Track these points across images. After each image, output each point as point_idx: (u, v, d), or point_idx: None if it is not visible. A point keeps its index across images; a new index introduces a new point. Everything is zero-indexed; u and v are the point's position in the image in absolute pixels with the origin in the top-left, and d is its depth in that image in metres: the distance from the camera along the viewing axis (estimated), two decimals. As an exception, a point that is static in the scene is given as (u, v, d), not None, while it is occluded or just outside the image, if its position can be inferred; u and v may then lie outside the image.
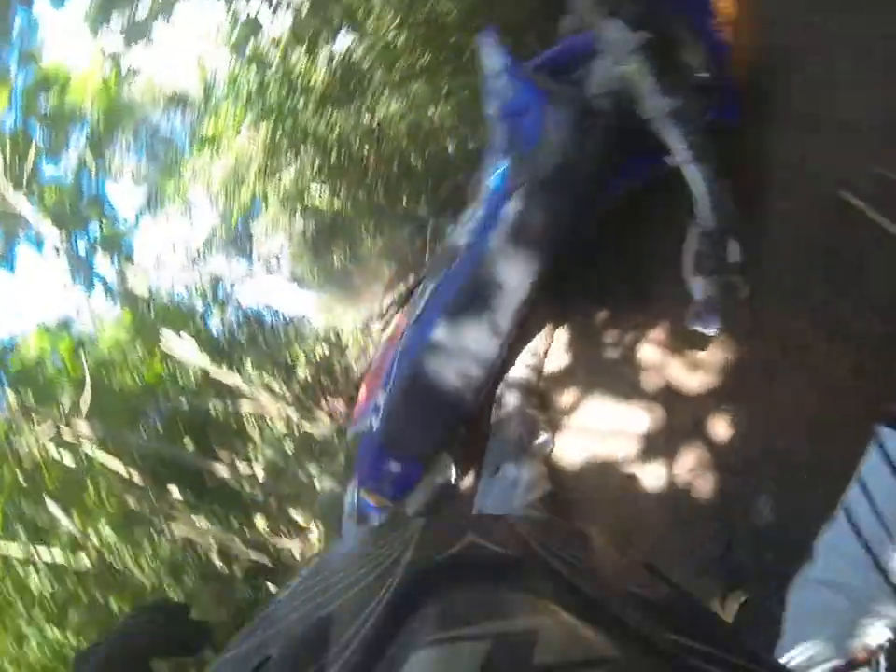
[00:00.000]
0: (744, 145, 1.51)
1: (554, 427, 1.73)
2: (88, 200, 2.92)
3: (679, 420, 1.43)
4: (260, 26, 3.29)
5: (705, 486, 1.32)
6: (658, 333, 1.60)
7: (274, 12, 3.26)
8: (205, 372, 3.56)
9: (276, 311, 5.78)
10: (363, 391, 2.12)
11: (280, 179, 4.98)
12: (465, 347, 1.71)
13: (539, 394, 1.83)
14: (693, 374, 1.47)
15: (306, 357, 4.73)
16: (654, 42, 1.35)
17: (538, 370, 1.86)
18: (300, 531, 2.90)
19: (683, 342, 1.53)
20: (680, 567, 1.24)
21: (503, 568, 0.44)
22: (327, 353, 4.81)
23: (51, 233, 3.04)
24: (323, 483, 2.98)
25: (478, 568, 0.43)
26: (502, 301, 1.68)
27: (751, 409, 1.34)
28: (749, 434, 1.32)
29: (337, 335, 5.04)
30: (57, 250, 3.12)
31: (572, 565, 0.44)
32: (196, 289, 4.78)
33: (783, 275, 1.38)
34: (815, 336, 1.28)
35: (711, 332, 1.37)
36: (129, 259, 3.10)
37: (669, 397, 1.48)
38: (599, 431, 1.59)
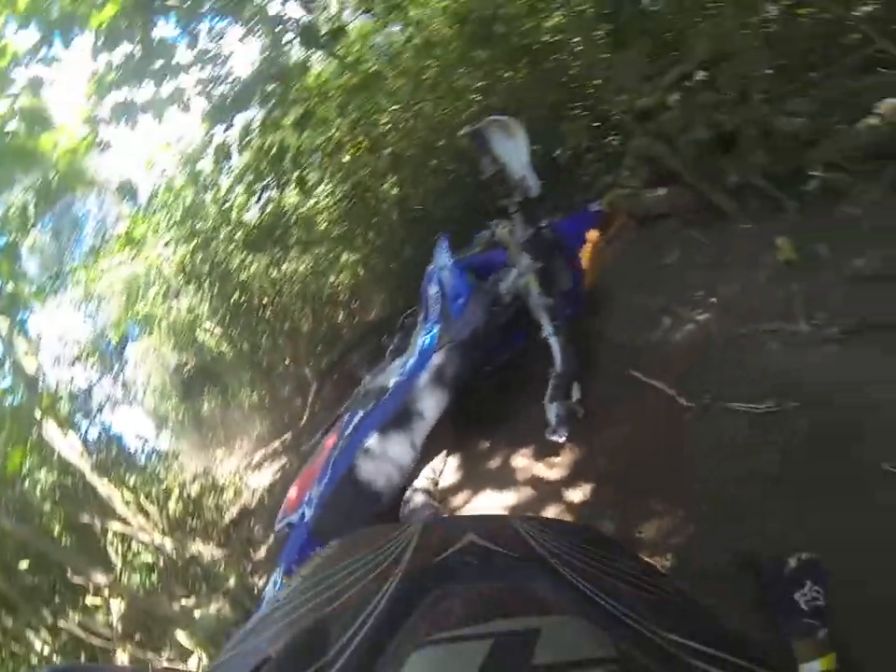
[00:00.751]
0: (584, 327, 2.46)
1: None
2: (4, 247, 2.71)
3: (544, 496, 2.02)
4: (229, 156, 3.55)
5: None
6: (526, 446, 2.30)
7: (241, 150, 3.60)
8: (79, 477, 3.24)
9: (141, 439, 5.27)
10: (295, 490, 2.47)
11: (176, 305, 5.04)
12: (390, 456, 2.19)
13: (437, 498, 2.33)
14: (552, 469, 2.13)
15: (179, 492, 4.39)
16: (542, 269, 2.27)
17: (435, 482, 2.40)
18: (184, 655, 2.61)
19: (544, 450, 2.23)
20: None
21: (503, 568, 0.44)
22: (198, 492, 4.51)
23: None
24: (201, 609, 2.92)
25: (478, 568, 0.44)
26: (420, 424, 2.23)
27: (588, 479, 1.98)
28: (593, 491, 1.92)
29: (211, 477, 4.82)
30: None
31: (573, 564, 0.44)
32: (71, 392, 4.38)
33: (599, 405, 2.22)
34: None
35: (561, 440, 2.07)
36: (22, 329, 2.82)
37: (537, 484, 2.09)
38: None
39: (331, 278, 4.95)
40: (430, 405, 2.26)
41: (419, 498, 2.26)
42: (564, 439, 2.09)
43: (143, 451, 5.15)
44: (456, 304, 2.44)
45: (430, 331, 2.48)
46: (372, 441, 2.20)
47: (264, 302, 4.91)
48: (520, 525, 0.54)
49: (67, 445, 3.00)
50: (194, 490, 4.40)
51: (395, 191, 4.24)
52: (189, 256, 4.40)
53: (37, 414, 2.90)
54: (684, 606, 0.44)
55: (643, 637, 0.35)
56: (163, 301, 4.74)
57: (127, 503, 3.22)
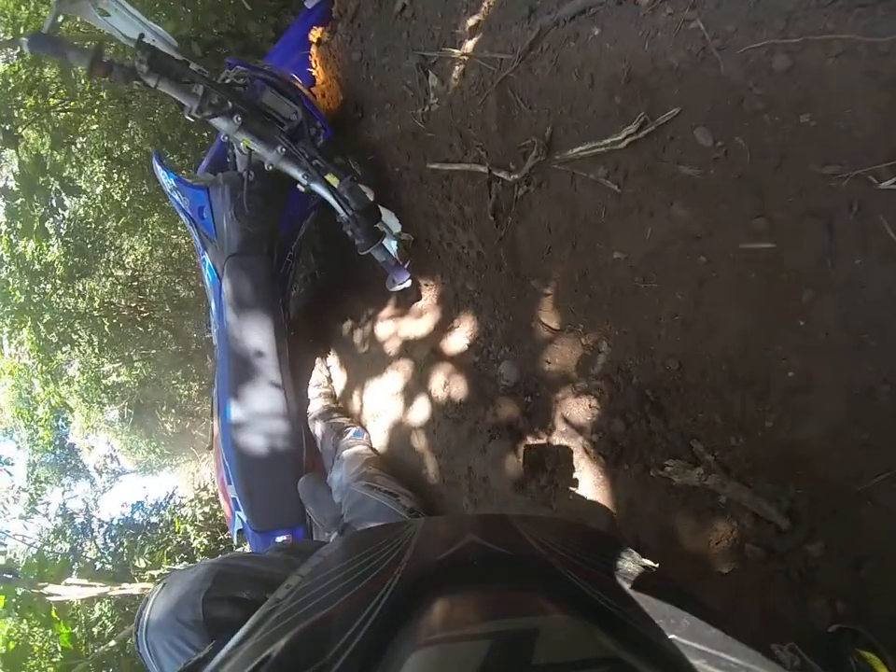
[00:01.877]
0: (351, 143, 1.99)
1: (361, 422, 2.00)
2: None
3: (421, 355, 1.77)
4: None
5: (459, 388, 1.61)
6: (384, 311, 1.99)
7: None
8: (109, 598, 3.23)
9: (140, 503, 5.36)
10: (221, 497, 2.26)
11: (68, 377, 4.81)
12: (258, 412, 1.93)
13: (340, 409, 2.12)
14: (420, 320, 1.85)
15: (192, 524, 4.48)
16: (250, 121, 1.78)
17: (330, 395, 2.16)
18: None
19: (401, 304, 1.93)
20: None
21: (503, 568, 0.44)
22: (206, 510, 4.60)
23: None
24: None
25: (478, 568, 0.44)
26: (262, 361, 1.94)
27: (463, 319, 1.72)
28: (475, 335, 1.66)
29: (205, 489, 4.86)
30: None
31: (572, 564, 0.44)
32: (53, 533, 4.40)
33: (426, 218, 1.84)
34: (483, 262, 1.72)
35: (406, 284, 1.72)
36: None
37: (411, 344, 1.83)
38: (385, 405, 1.87)
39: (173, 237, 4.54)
40: (253, 336, 1.94)
41: (320, 425, 2.04)
42: (408, 281, 1.74)
43: (146, 513, 5.15)
44: (205, 220, 1.97)
45: (205, 263, 2.05)
46: (234, 411, 1.93)
47: (134, 306, 4.59)
48: (520, 524, 0.54)
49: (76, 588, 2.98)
50: (200, 515, 4.49)
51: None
52: (34, 331, 3.95)
53: None
54: (684, 605, 0.43)
55: (643, 636, 0.34)
56: (55, 382, 4.39)
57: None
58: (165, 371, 5.02)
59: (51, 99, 3.34)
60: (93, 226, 4.11)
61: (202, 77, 1.62)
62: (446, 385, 1.63)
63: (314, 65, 2.14)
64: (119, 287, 4.47)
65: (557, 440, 1.29)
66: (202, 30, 2.36)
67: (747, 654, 0.34)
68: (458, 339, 1.67)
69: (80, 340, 4.55)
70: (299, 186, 1.73)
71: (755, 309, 1.01)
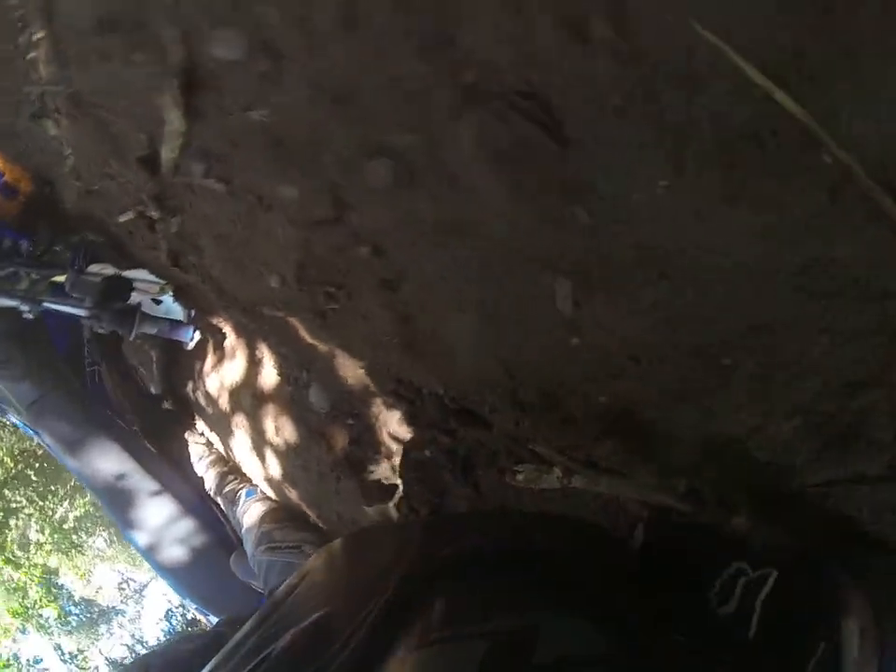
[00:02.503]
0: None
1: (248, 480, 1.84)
2: None
3: (247, 403, 1.57)
4: None
5: (289, 429, 1.44)
6: (205, 365, 1.74)
7: None
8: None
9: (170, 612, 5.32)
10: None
11: (34, 543, 4.51)
12: (158, 527, 1.74)
13: (232, 468, 1.93)
14: (234, 361, 1.61)
15: None
16: None
17: (218, 459, 1.96)
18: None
19: (214, 351, 1.68)
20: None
21: (503, 568, 0.43)
22: None
23: None
24: None
25: (478, 568, 0.42)
26: (128, 481, 1.72)
27: (261, 348, 1.48)
28: (277, 363, 1.45)
29: None
30: None
31: (573, 563, 0.44)
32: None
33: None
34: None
35: (195, 337, 1.54)
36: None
37: (236, 392, 1.61)
38: (249, 461, 1.72)
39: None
40: (102, 462, 1.71)
41: (221, 502, 1.85)
42: (195, 332, 1.54)
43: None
44: None
45: (17, 424, 1.91)
46: (139, 539, 1.75)
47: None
48: (520, 523, 0.60)
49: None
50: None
51: None
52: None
53: None
54: (682, 604, 0.43)
55: (642, 636, 0.33)
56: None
57: None
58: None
59: None
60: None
61: None
62: (278, 430, 1.47)
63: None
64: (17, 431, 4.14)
65: (395, 460, 1.12)
66: None
67: (746, 653, 0.38)
68: (268, 372, 1.48)
69: (17, 501, 4.30)
70: (24, 315, 1.45)
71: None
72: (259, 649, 0.38)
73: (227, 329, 1.59)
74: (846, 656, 0.56)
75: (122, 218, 1.20)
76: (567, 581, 0.40)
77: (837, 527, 0.65)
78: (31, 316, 1.46)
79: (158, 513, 1.75)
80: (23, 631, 4.44)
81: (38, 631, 4.56)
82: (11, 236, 1.52)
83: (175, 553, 1.76)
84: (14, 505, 3.95)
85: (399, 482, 1.13)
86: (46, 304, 1.44)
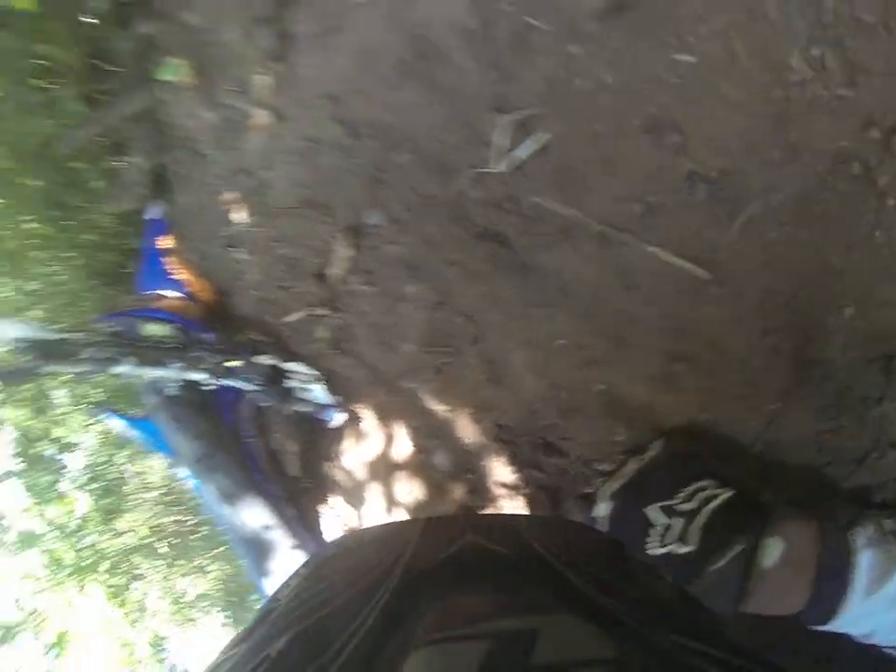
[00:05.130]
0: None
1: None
2: None
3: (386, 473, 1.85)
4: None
5: (419, 491, 1.69)
6: (344, 445, 2.08)
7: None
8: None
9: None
10: None
11: (151, 611, 4.79)
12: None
13: None
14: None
15: None
16: (138, 353, 1.97)
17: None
18: None
19: (353, 433, 2.00)
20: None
21: (503, 568, 0.44)
22: None
23: None
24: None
25: (478, 568, 0.43)
26: (272, 533, 2.02)
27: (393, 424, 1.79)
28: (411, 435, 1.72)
29: None
30: None
31: (573, 563, 0.44)
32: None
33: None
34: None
35: (340, 418, 1.85)
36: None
37: (376, 466, 1.91)
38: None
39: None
40: (251, 514, 2.04)
41: None
42: (341, 414, 1.88)
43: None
44: (160, 445, 2.18)
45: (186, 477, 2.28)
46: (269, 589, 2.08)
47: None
48: (520, 523, 0.53)
49: None
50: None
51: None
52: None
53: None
54: (684, 605, 0.43)
55: (643, 636, 0.33)
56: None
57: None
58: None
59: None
60: (106, 463, 4.14)
61: (86, 343, 1.85)
62: (409, 492, 1.74)
63: (176, 272, 2.38)
64: (155, 507, 4.59)
65: (504, 505, 1.37)
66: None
67: (746, 653, 0.34)
68: (402, 443, 1.78)
69: (145, 571, 4.59)
70: (204, 388, 1.96)
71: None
72: (259, 649, 0.38)
73: (366, 413, 1.91)
74: (757, 559, 0.72)
75: (289, 319, 1.70)
76: (568, 581, 0.41)
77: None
78: (210, 387, 1.91)
79: (292, 566, 2.10)
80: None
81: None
82: (196, 330, 2.08)
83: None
84: (139, 571, 4.41)
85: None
86: (223, 380, 1.94)
